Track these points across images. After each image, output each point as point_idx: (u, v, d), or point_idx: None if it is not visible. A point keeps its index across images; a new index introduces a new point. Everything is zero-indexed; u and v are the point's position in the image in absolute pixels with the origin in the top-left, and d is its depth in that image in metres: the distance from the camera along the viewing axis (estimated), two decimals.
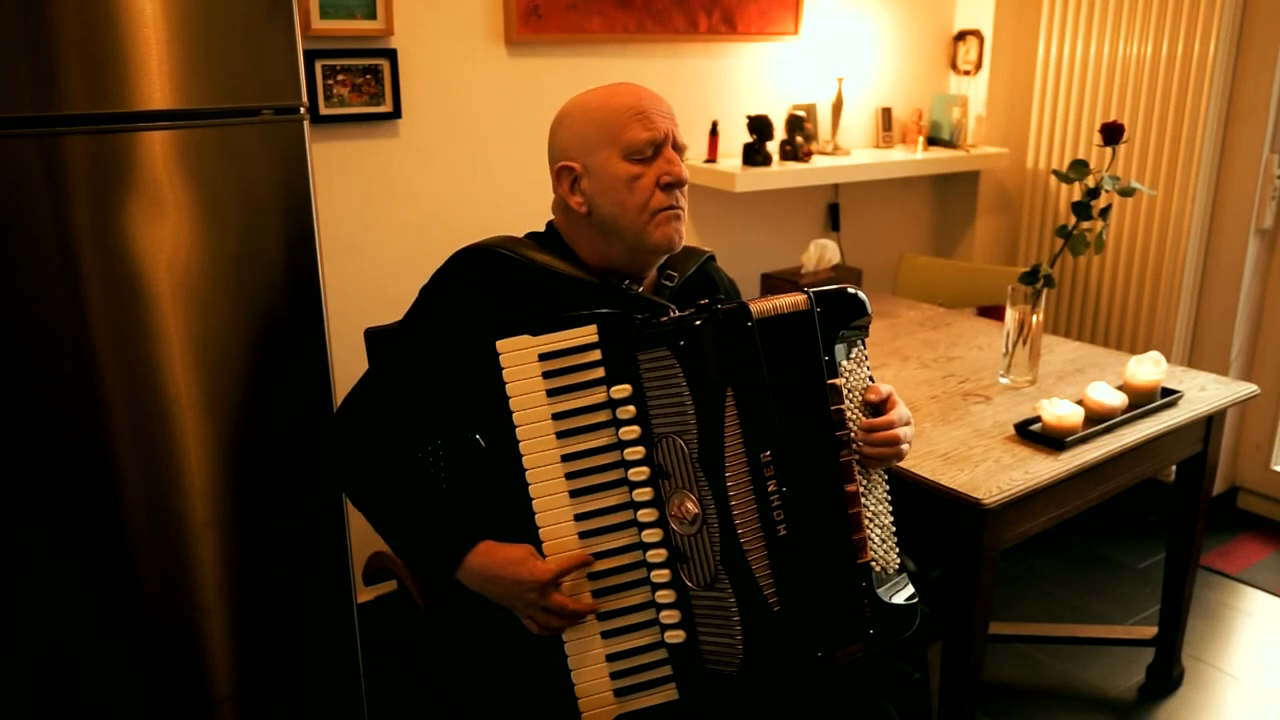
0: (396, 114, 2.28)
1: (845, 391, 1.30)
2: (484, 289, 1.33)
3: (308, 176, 1.52)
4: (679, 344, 1.23)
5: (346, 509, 1.67)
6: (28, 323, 1.34)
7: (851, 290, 1.32)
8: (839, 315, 1.30)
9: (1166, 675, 2.28)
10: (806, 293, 1.28)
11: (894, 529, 1.36)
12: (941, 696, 1.79)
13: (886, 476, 1.38)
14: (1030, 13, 3.17)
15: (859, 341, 1.35)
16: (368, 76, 2.22)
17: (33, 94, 1.29)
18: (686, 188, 1.36)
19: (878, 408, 1.35)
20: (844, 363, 1.31)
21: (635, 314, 1.27)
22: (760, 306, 1.26)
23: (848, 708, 1.40)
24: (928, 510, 1.66)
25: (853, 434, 1.31)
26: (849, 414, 1.31)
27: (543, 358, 1.24)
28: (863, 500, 1.31)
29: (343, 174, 2.26)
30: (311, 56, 2.13)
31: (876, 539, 1.32)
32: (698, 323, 1.23)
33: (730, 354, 1.24)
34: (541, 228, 1.48)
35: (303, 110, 1.49)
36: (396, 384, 1.35)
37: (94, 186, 1.35)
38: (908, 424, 1.37)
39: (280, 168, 1.49)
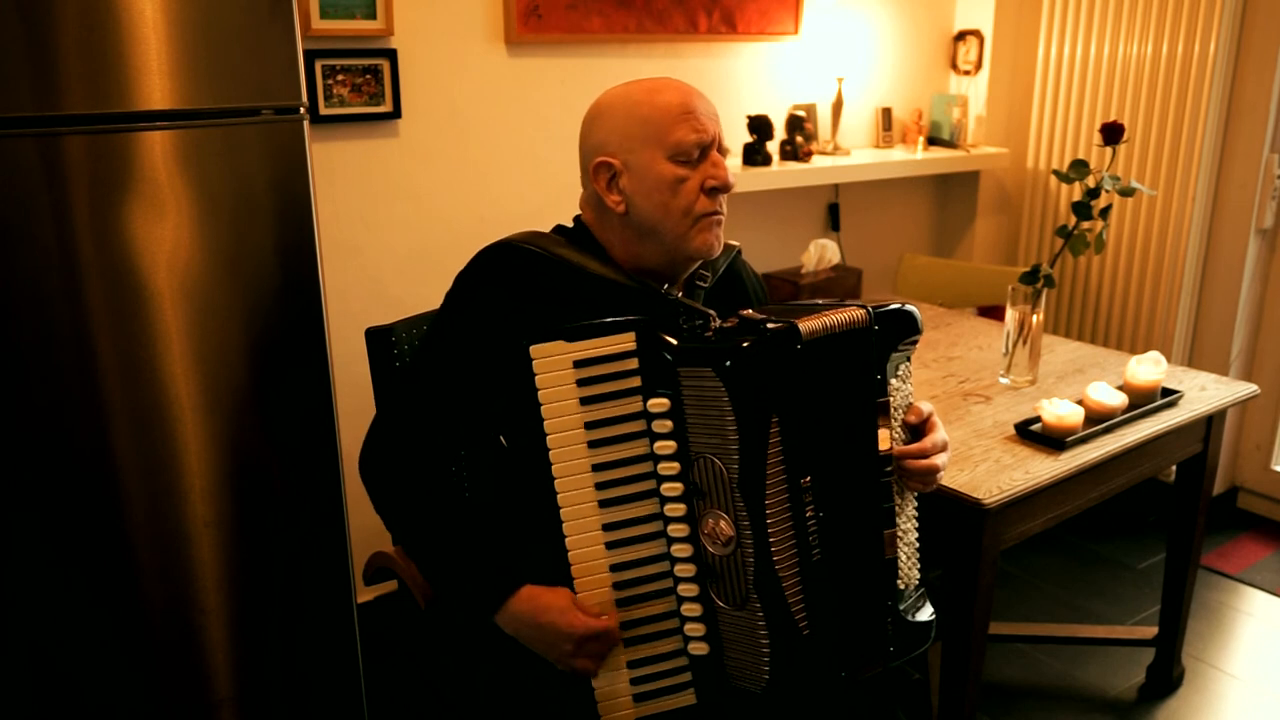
0: (396, 114, 2.28)
1: (892, 410, 1.27)
2: (513, 288, 1.29)
3: (308, 176, 1.52)
4: (724, 364, 1.16)
5: (346, 509, 1.67)
6: (28, 323, 1.34)
7: (909, 309, 1.27)
8: (894, 334, 1.25)
9: (1166, 675, 2.28)
10: (866, 309, 1.23)
11: (918, 545, 1.33)
12: (941, 696, 1.79)
13: (916, 493, 1.35)
14: (1030, 13, 3.17)
15: (906, 359, 1.31)
16: (368, 76, 2.22)
17: (33, 94, 1.29)
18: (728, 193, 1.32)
19: (917, 429, 1.31)
20: (892, 381, 1.27)
21: (675, 321, 1.23)
22: (810, 326, 1.19)
23: (862, 716, 1.40)
24: (927, 510, 1.66)
25: (894, 454, 1.27)
26: (894, 434, 1.27)
27: (578, 365, 1.19)
28: (896, 520, 1.28)
29: (343, 174, 2.26)
30: (311, 56, 2.13)
31: (904, 557, 1.30)
32: (745, 344, 1.16)
33: (778, 378, 1.17)
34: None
35: (303, 110, 1.49)
36: (433, 399, 1.31)
37: (94, 186, 1.35)
38: (945, 449, 1.33)
39: (280, 168, 1.49)
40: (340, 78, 2.19)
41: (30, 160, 1.30)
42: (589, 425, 1.20)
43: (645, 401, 1.20)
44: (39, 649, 1.45)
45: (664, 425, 1.20)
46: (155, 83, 1.36)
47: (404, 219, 2.37)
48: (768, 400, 1.17)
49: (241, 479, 1.54)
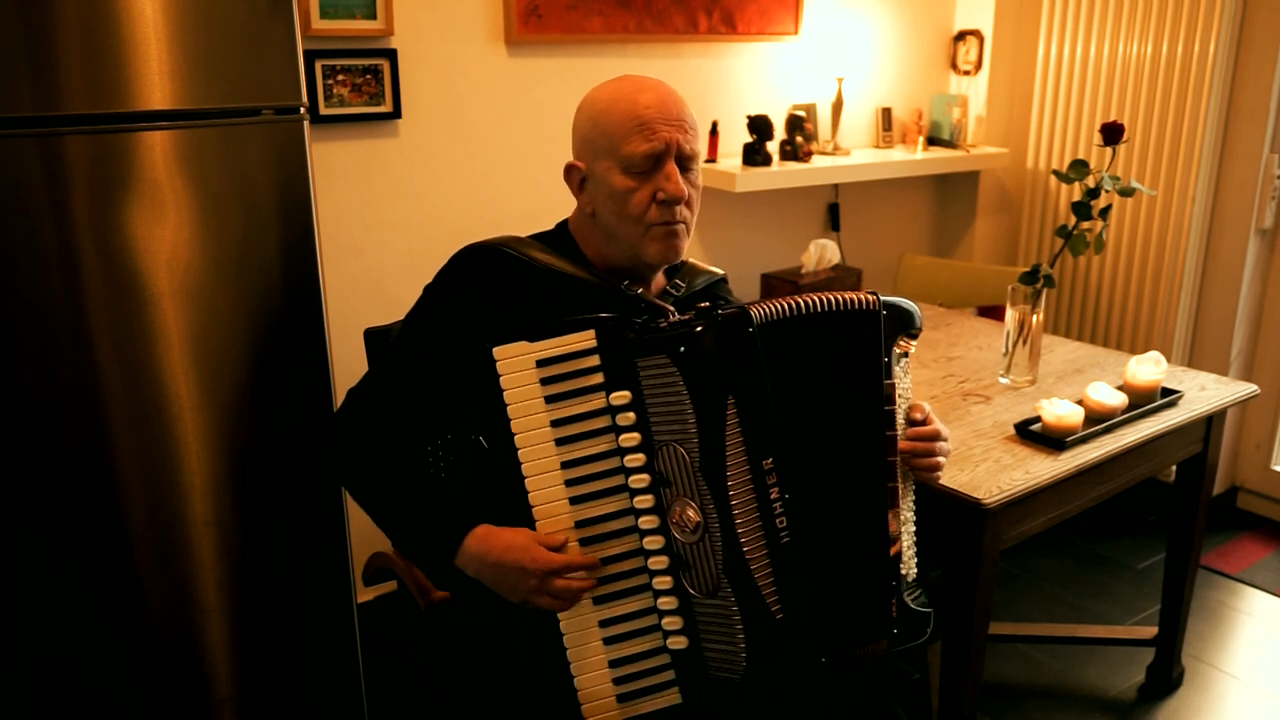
0: (396, 114, 2.28)
1: (898, 395, 1.30)
2: (487, 288, 1.32)
3: (308, 176, 1.52)
4: (679, 350, 1.20)
5: (347, 509, 1.67)
6: (28, 323, 1.34)
7: (907, 304, 1.31)
8: (897, 324, 1.29)
9: (1166, 675, 2.28)
10: (874, 295, 1.27)
11: (916, 537, 1.35)
12: (941, 696, 1.79)
13: (914, 487, 1.38)
14: (1030, 13, 3.17)
15: (904, 355, 1.34)
16: (368, 76, 2.22)
17: (33, 94, 1.29)
18: (694, 197, 1.33)
19: (918, 425, 1.35)
20: (896, 368, 1.31)
21: (635, 317, 1.25)
22: (764, 311, 1.23)
23: (858, 710, 1.40)
24: (928, 510, 1.66)
25: (900, 436, 1.31)
26: (899, 420, 1.31)
27: (540, 364, 1.22)
28: (900, 502, 1.31)
29: (343, 174, 2.26)
30: (311, 56, 2.13)
31: (905, 543, 1.32)
32: (698, 329, 1.21)
33: (732, 361, 1.21)
34: (543, 227, 1.48)
35: (303, 110, 1.49)
36: (398, 382, 1.35)
37: (94, 186, 1.35)
38: (946, 439, 1.38)
39: (280, 168, 1.49)
40: (340, 78, 2.19)
41: (30, 160, 1.30)
42: (555, 423, 1.22)
43: (608, 396, 1.22)
44: (39, 648, 1.45)
45: (627, 418, 1.22)
46: (155, 83, 1.36)
47: (404, 219, 2.37)
48: (722, 382, 1.20)
49: (241, 478, 1.54)
